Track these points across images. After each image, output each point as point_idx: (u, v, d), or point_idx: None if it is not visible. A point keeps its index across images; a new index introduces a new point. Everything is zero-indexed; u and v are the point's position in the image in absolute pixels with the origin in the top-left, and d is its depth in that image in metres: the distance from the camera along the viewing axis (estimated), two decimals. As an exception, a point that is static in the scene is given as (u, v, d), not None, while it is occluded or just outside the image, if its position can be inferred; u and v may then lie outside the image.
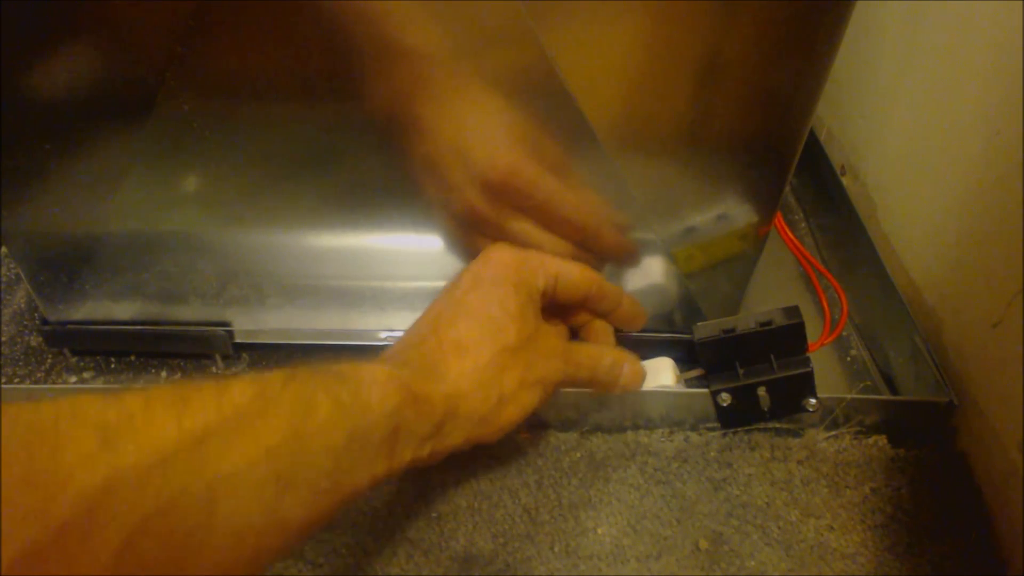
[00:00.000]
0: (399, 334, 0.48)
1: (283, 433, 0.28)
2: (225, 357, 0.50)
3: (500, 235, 0.41)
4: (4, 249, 0.55)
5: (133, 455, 0.24)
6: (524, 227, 0.41)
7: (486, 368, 0.35)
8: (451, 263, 0.45)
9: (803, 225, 0.61)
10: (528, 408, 0.37)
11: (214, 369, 0.49)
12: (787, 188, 0.55)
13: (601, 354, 0.41)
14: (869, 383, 0.49)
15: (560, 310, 0.42)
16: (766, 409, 0.43)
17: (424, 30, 0.35)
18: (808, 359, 0.42)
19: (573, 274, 0.40)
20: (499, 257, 0.39)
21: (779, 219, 0.59)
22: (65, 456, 0.23)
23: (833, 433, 0.43)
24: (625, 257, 0.45)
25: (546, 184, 0.40)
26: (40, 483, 0.22)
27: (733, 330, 0.42)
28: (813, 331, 0.47)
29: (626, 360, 0.42)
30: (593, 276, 0.41)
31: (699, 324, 0.43)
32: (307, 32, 0.35)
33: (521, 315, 0.37)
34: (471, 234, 0.43)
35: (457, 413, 0.34)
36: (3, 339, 0.50)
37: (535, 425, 0.43)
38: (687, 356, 0.47)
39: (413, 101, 0.38)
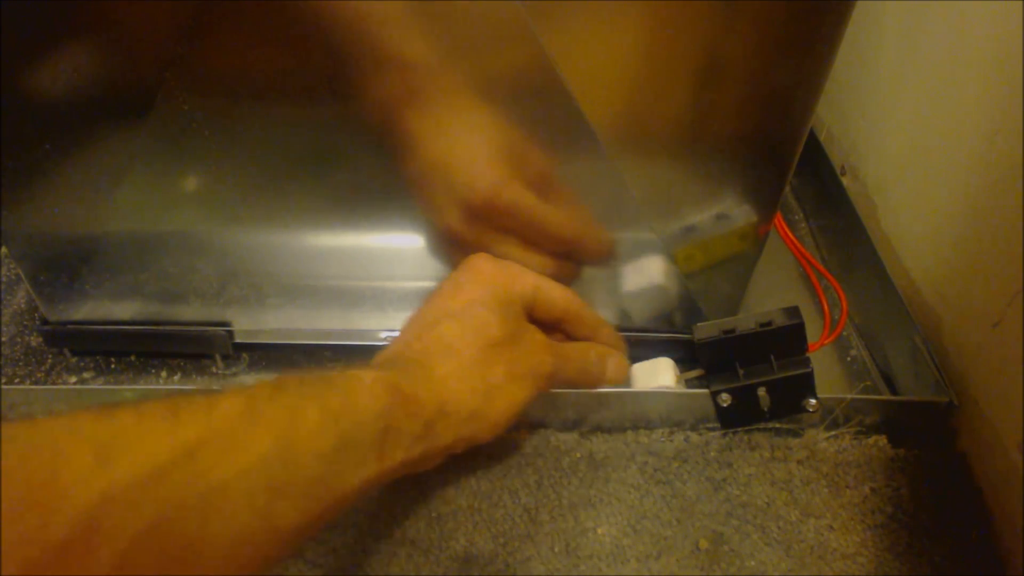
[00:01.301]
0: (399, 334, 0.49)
1: (272, 442, 0.28)
2: (225, 357, 0.50)
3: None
4: (4, 249, 0.55)
5: (127, 470, 0.24)
6: (505, 247, 0.42)
7: (471, 363, 0.36)
8: (443, 263, 0.45)
9: (803, 225, 0.61)
10: (519, 402, 0.37)
11: (214, 369, 0.49)
12: (787, 188, 0.55)
13: (587, 348, 0.42)
14: (869, 383, 0.49)
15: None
16: (766, 409, 0.43)
17: (413, 39, 0.36)
18: (808, 359, 0.42)
19: (552, 291, 0.41)
20: (479, 265, 0.40)
21: (779, 219, 0.59)
22: (62, 474, 0.23)
23: (833, 433, 0.43)
24: (604, 258, 0.45)
25: (528, 204, 0.41)
26: (38, 502, 0.23)
27: (733, 330, 0.42)
28: (813, 331, 0.47)
29: (610, 354, 0.43)
30: (572, 298, 0.42)
31: (699, 324, 0.43)
32: (306, 32, 0.35)
33: (502, 312, 0.38)
34: (454, 250, 0.43)
35: (446, 410, 0.34)
36: (3, 339, 0.50)
37: (535, 425, 0.43)
38: (687, 356, 0.47)
39: (402, 114, 0.38)
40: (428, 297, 0.40)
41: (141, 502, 0.24)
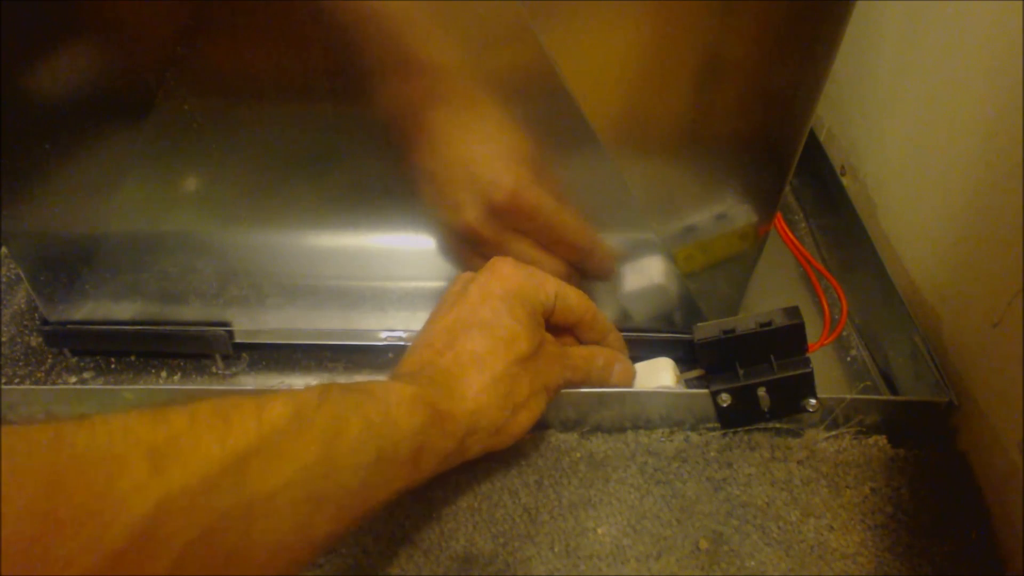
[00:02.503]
0: (399, 334, 0.49)
1: (317, 453, 0.29)
2: (225, 357, 0.50)
3: (496, 253, 0.41)
4: (4, 249, 0.55)
5: (181, 479, 0.25)
6: (520, 247, 0.42)
7: (501, 380, 0.36)
8: (450, 264, 0.45)
9: (803, 225, 0.61)
10: (537, 414, 0.38)
11: (214, 369, 0.49)
12: (787, 188, 0.55)
13: (593, 355, 0.43)
14: (869, 383, 0.49)
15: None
16: (766, 409, 0.43)
17: (437, 43, 0.36)
18: (808, 359, 0.42)
19: (570, 297, 0.41)
20: (506, 270, 0.40)
21: (779, 219, 0.59)
22: (119, 482, 0.24)
23: (833, 433, 0.43)
24: (607, 274, 0.46)
25: (548, 206, 0.41)
26: (96, 511, 0.23)
27: (733, 331, 0.42)
28: (813, 331, 0.47)
29: (616, 359, 0.43)
30: (588, 303, 0.42)
31: (699, 324, 0.43)
32: (307, 32, 0.35)
33: (529, 323, 0.38)
34: (465, 249, 0.43)
35: (477, 427, 0.35)
36: (3, 339, 0.50)
37: (535, 425, 0.43)
38: (687, 356, 0.47)
39: (421, 115, 0.38)
40: (452, 298, 0.40)
41: (193, 511, 0.25)
